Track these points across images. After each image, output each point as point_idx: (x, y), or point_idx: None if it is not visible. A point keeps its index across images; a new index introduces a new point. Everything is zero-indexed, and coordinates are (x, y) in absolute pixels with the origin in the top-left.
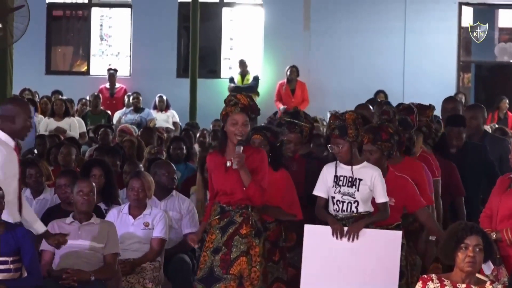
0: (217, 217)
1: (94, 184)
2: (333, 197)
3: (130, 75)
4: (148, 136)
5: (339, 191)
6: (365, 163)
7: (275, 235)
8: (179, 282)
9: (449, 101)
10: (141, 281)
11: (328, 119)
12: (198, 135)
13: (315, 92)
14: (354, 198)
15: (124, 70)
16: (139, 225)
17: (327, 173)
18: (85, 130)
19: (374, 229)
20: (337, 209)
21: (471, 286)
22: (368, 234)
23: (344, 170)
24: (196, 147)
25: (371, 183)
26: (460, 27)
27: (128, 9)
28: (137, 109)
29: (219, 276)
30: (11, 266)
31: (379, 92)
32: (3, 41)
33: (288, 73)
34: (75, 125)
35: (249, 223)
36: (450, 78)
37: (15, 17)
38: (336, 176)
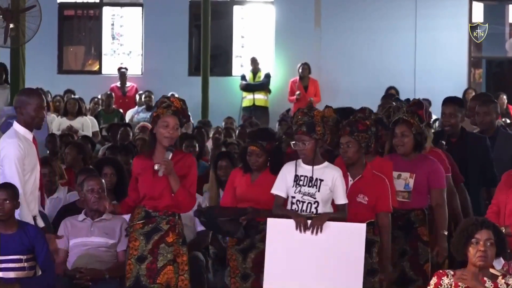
0: (141, 221)
1: (104, 182)
2: (293, 197)
3: (142, 74)
4: None
5: (300, 191)
6: (326, 163)
7: None
8: (193, 279)
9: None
10: None
11: (293, 115)
12: (212, 132)
13: (326, 90)
14: (315, 198)
15: (136, 69)
16: None
17: (287, 172)
18: (98, 129)
19: (338, 222)
20: (296, 209)
21: (485, 279)
22: (331, 227)
23: (305, 169)
24: (209, 144)
25: (332, 184)
26: (470, 23)
27: (140, 8)
28: (149, 108)
29: (146, 286)
30: (25, 264)
31: (390, 88)
32: (15, 41)
33: (300, 70)
34: (88, 124)
35: (176, 231)
36: (461, 74)
37: (27, 17)
38: (296, 176)
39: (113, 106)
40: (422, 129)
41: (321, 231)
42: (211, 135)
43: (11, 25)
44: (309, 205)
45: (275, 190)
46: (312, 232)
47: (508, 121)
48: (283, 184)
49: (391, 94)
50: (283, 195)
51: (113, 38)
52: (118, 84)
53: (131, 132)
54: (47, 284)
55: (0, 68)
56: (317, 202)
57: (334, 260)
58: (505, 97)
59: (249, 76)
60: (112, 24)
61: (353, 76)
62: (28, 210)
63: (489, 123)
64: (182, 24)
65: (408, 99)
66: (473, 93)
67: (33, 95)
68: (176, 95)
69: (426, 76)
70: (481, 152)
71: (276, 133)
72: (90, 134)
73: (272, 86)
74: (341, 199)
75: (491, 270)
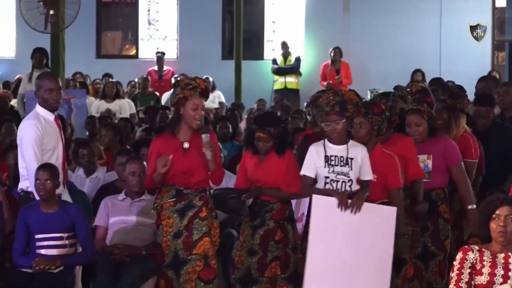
0: (172, 199)
1: (144, 163)
2: (326, 177)
3: (177, 58)
4: None
5: (333, 170)
6: (351, 141)
7: (280, 214)
8: (226, 255)
9: (481, 81)
10: None
11: (322, 98)
12: (247, 113)
13: (355, 73)
14: (349, 177)
15: (171, 53)
16: None
17: (316, 153)
18: (135, 111)
19: (371, 203)
20: (331, 188)
21: (510, 254)
22: (367, 208)
23: (334, 149)
24: (242, 125)
25: (361, 161)
26: (494, 7)
27: None
28: None
29: (184, 259)
30: (66, 241)
31: (416, 71)
32: (55, 27)
33: (332, 54)
34: (125, 107)
35: (208, 206)
36: (485, 57)
37: (66, 4)
38: (326, 156)
39: (150, 89)
40: (433, 114)
41: (359, 211)
42: (244, 117)
43: (51, 12)
44: (343, 183)
45: (304, 171)
46: (352, 211)
47: None
48: (311, 165)
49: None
50: (312, 175)
51: (149, 23)
52: (155, 68)
53: (169, 115)
54: (87, 260)
55: (41, 53)
56: (351, 180)
57: (368, 240)
58: None
59: (280, 59)
60: (148, 10)
61: (381, 59)
62: None
63: (509, 102)
64: (216, 9)
65: (408, 85)
66: (497, 75)
67: (45, 78)
68: (210, 78)
69: (451, 59)
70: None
71: (281, 116)
72: (127, 116)
73: (303, 69)
74: (368, 175)
75: None
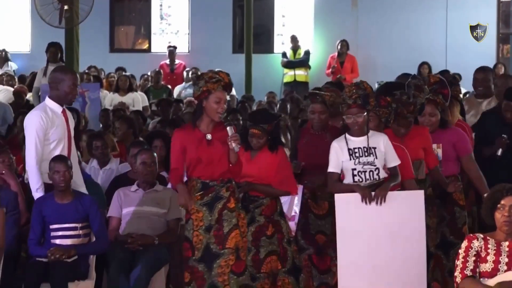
0: (200, 193)
1: (155, 154)
2: (353, 169)
3: (188, 52)
4: None
5: (359, 162)
6: (371, 132)
7: (270, 210)
8: None
9: (479, 71)
10: None
11: (345, 91)
12: (257, 106)
13: (364, 66)
14: (375, 165)
15: (183, 47)
16: None
17: (339, 148)
18: (147, 104)
19: (396, 191)
20: (360, 180)
21: None
22: (392, 197)
23: (355, 142)
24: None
25: (384, 148)
26: (499, 1)
27: None
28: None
29: (217, 252)
30: (80, 232)
31: (423, 64)
32: (69, 22)
33: (339, 47)
34: (138, 100)
35: (235, 196)
36: (490, 49)
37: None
38: (349, 149)
39: (162, 83)
40: (446, 106)
41: (384, 201)
42: (254, 109)
43: (66, 7)
44: (371, 173)
45: (331, 168)
46: (377, 203)
47: None
48: (336, 161)
49: (407, 74)
50: (338, 171)
51: (162, 18)
52: (167, 61)
53: (182, 108)
54: (101, 249)
55: (56, 47)
56: (378, 168)
57: (399, 228)
58: None
59: (289, 53)
60: (161, 5)
61: (388, 52)
62: (37, 178)
63: (487, 87)
64: (226, 4)
65: (428, 76)
66: (502, 68)
67: (68, 72)
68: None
69: (457, 52)
70: None
71: (275, 114)
72: (140, 109)
73: (312, 62)
74: (394, 161)
75: None
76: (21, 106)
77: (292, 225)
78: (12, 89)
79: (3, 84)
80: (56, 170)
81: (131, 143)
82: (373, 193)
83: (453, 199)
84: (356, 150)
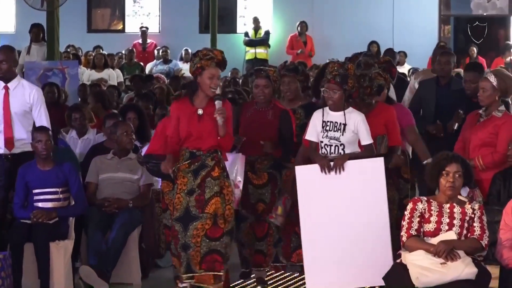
0: (187, 162)
1: (131, 124)
2: (321, 141)
3: (159, 32)
4: (176, 84)
5: (327, 135)
6: (350, 108)
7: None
8: None
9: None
10: None
11: (328, 66)
12: (222, 81)
13: (319, 44)
14: (340, 141)
15: (154, 27)
16: None
17: (316, 119)
18: (122, 79)
19: (356, 160)
20: (326, 152)
21: (454, 205)
22: (352, 165)
23: (331, 116)
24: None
25: (354, 127)
26: None
27: None
28: (166, 61)
29: (195, 215)
30: (61, 196)
31: (372, 42)
32: (51, 5)
33: (299, 28)
34: (113, 76)
35: (220, 165)
36: (433, 29)
37: None
38: (324, 122)
39: (135, 60)
40: (392, 84)
41: (343, 170)
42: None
43: None
44: (336, 147)
45: (307, 136)
46: (336, 172)
47: None
48: (314, 130)
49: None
50: (315, 139)
51: (134, 1)
52: (140, 41)
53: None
54: (79, 212)
55: (38, 28)
56: (343, 144)
57: (360, 195)
58: (475, 49)
59: (251, 33)
60: None
61: (340, 32)
62: None
63: (448, 71)
64: None
65: (378, 57)
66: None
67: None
68: (189, 50)
69: (403, 31)
70: None
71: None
72: (115, 84)
73: (271, 41)
74: (366, 140)
75: (459, 197)
76: None
77: (237, 192)
78: None
79: None
80: (39, 140)
81: (107, 115)
82: (332, 163)
83: (399, 172)
84: (329, 124)
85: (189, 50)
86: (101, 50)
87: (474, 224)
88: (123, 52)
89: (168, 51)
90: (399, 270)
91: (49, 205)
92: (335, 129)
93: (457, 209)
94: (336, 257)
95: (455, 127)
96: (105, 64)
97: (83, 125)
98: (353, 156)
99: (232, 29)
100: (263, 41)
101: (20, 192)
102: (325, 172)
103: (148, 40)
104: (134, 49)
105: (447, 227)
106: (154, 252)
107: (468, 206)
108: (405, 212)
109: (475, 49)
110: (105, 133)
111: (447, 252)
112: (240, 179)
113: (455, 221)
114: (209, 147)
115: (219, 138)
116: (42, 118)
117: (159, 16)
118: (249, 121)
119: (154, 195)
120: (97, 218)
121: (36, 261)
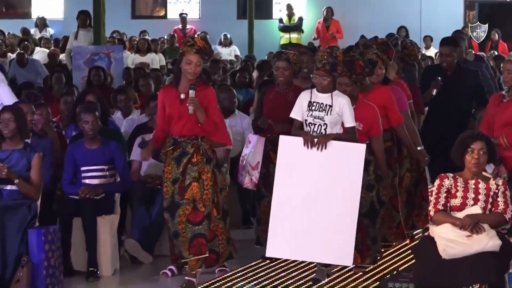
0: (171, 148)
1: None
2: (306, 120)
3: (199, 18)
4: (216, 67)
5: (311, 114)
6: (336, 91)
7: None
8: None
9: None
10: None
11: (318, 54)
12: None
13: (348, 29)
14: (324, 121)
15: (194, 14)
16: None
17: (303, 99)
18: (164, 63)
19: (340, 141)
20: (309, 130)
21: (479, 181)
22: (335, 146)
23: (318, 97)
24: (254, 74)
25: (339, 109)
26: None
27: None
28: None
29: (178, 203)
30: (107, 173)
31: (401, 27)
32: None
33: (324, 13)
34: (156, 60)
35: (200, 151)
36: (458, 15)
37: None
38: (310, 102)
39: (176, 45)
40: (389, 65)
41: (325, 148)
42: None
43: None
44: (319, 126)
45: (293, 115)
46: (318, 148)
47: (496, 53)
48: (299, 109)
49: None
50: (300, 118)
51: None
52: (180, 26)
53: None
54: (124, 188)
55: (85, 14)
56: (326, 124)
57: (336, 174)
58: (496, 33)
59: (285, 19)
60: None
61: (370, 17)
62: None
63: (450, 62)
64: None
65: (376, 37)
66: (469, 31)
67: None
68: (228, 35)
69: (430, 17)
70: (474, 83)
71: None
72: (158, 68)
73: (305, 27)
74: (349, 123)
75: (484, 174)
76: (54, 66)
77: (255, 174)
78: (47, 50)
79: (41, 47)
80: (86, 120)
81: (150, 97)
82: (316, 139)
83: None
84: (315, 104)
85: (228, 35)
86: (146, 35)
87: (498, 199)
88: (165, 37)
89: (207, 36)
90: (427, 242)
91: (95, 181)
92: (321, 109)
93: (481, 185)
94: (301, 229)
95: (434, 93)
96: (148, 49)
97: (127, 106)
98: (336, 137)
99: (268, 15)
100: (297, 27)
101: (69, 169)
102: (308, 147)
103: (188, 26)
104: (175, 35)
105: (472, 202)
106: None
107: (492, 182)
108: (433, 188)
109: (496, 33)
110: (147, 114)
111: (472, 225)
112: (258, 160)
113: (480, 196)
114: (190, 131)
115: (199, 125)
116: (3, 97)
117: (199, 2)
118: (271, 102)
119: None
120: (141, 194)
121: (84, 234)
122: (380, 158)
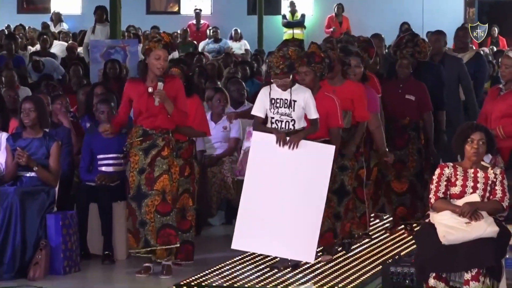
0: (139, 139)
1: None
2: (272, 117)
3: (211, 14)
4: (228, 60)
5: (277, 112)
6: (296, 85)
7: (188, 153)
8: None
9: (460, 28)
10: (221, 171)
11: (272, 59)
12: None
13: (355, 25)
14: (291, 117)
15: (206, 9)
16: (219, 128)
17: (263, 95)
18: (177, 56)
19: (311, 141)
20: (276, 127)
21: (478, 170)
22: (306, 146)
23: (278, 92)
24: (264, 67)
25: (304, 103)
26: None
27: None
28: (217, 40)
29: (145, 193)
30: (122, 161)
31: (403, 23)
32: None
33: (336, 9)
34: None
35: (170, 146)
36: (459, 12)
37: None
38: (272, 99)
39: (189, 39)
40: (368, 63)
41: (297, 147)
42: (266, 60)
43: None
44: (287, 123)
45: (255, 112)
46: (290, 147)
47: (495, 48)
48: (261, 106)
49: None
50: (261, 115)
51: None
52: (194, 21)
53: (204, 59)
54: None
55: (102, 9)
56: (294, 120)
57: (305, 173)
58: (496, 29)
59: (288, 15)
60: None
61: (374, 13)
62: None
63: (438, 49)
64: None
65: (359, 37)
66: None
67: None
68: (239, 30)
69: (432, 13)
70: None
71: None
72: None
73: (308, 23)
74: (313, 114)
75: (482, 163)
76: (73, 59)
77: None
78: (65, 44)
79: (59, 40)
80: (102, 110)
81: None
82: (288, 138)
83: (371, 143)
84: (278, 101)
85: (238, 30)
86: (158, 30)
87: (496, 188)
88: (179, 32)
89: (219, 31)
90: (428, 228)
91: (111, 169)
92: (285, 106)
93: (480, 174)
94: (267, 224)
95: None
96: None
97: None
98: (306, 134)
99: (277, 11)
100: (300, 23)
101: (86, 157)
102: (280, 145)
103: (201, 21)
104: (188, 29)
105: (471, 190)
106: (206, 212)
107: (490, 171)
108: (433, 177)
109: (496, 29)
110: None
111: (471, 212)
112: None
113: (478, 185)
114: (161, 124)
115: (169, 116)
116: None
117: None
118: None
119: (206, 161)
120: None
121: (100, 219)
122: (336, 146)
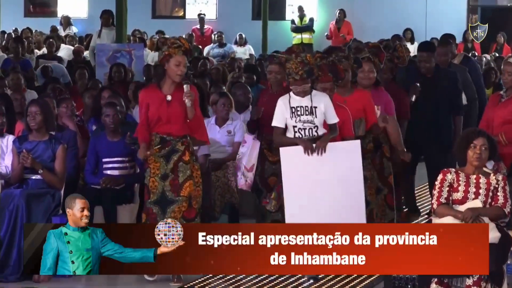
0: (158, 146)
1: None
2: (294, 126)
3: (216, 18)
4: (233, 65)
5: (299, 120)
6: (314, 91)
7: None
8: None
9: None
10: (226, 175)
11: (290, 66)
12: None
13: (358, 29)
14: (314, 124)
15: (211, 14)
16: (223, 133)
17: (283, 105)
18: None
19: (335, 142)
20: (300, 136)
21: (480, 176)
22: (332, 148)
23: (298, 100)
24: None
25: (324, 108)
26: None
27: None
28: (221, 45)
29: (172, 199)
30: (127, 164)
31: (406, 30)
32: None
33: (337, 15)
34: None
35: (190, 150)
36: (461, 18)
37: None
38: (292, 108)
39: (194, 44)
40: (380, 68)
41: (325, 151)
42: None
43: None
44: (310, 130)
45: (275, 123)
46: (318, 153)
47: (497, 54)
48: (281, 116)
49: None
50: (282, 125)
51: None
52: (198, 26)
53: (208, 63)
54: (143, 179)
55: (108, 14)
56: (317, 126)
57: (339, 174)
58: (502, 37)
59: (297, 20)
60: None
61: (378, 18)
62: None
63: (445, 62)
64: None
65: (367, 43)
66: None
67: None
68: (243, 35)
69: (435, 20)
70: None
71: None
72: None
73: (316, 27)
74: (333, 119)
75: (485, 169)
76: (79, 62)
77: (250, 175)
78: (72, 47)
79: (66, 44)
80: (107, 114)
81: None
82: (314, 145)
83: (382, 151)
84: (299, 109)
85: (243, 35)
86: (163, 35)
87: (498, 194)
88: (183, 36)
89: (223, 35)
90: None
91: (116, 172)
92: (307, 113)
93: (482, 180)
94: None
95: (413, 99)
96: None
97: None
98: (330, 138)
99: (281, 16)
100: (308, 28)
101: (91, 160)
102: (308, 154)
103: (206, 26)
104: (193, 34)
105: (473, 196)
106: (209, 215)
107: (492, 177)
108: (436, 182)
109: (502, 36)
110: None
111: (473, 218)
112: (254, 162)
113: (480, 191)
114: (178, 131)
115: (188, 121)
116: None
117: (216, 4)
118: (265, 105)
119: (210, 165)
120: None
121: (105, 222)
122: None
